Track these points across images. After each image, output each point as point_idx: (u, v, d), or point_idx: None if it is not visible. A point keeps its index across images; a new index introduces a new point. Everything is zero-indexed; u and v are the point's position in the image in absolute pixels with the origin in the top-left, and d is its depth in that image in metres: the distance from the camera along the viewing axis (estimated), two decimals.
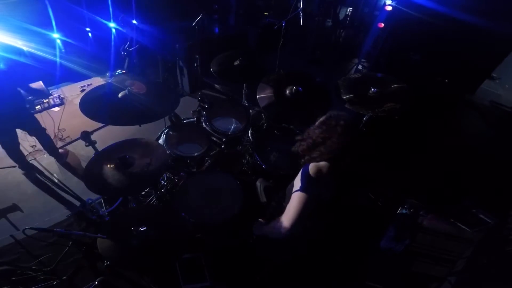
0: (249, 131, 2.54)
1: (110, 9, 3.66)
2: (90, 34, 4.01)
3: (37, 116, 2.68)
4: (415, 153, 3.09)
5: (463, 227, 2.29)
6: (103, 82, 3.16)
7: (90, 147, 1.71)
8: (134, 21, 3.47)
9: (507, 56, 3.93)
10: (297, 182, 1.21)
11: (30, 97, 3.16)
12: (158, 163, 1.66)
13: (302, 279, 1.94)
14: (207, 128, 2.34)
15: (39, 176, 2.64)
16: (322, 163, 1.20)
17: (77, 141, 3.05)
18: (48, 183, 2.58)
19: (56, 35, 3.49)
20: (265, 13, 5.29)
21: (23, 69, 2.46)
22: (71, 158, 2.90)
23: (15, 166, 2.68)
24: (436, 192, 2.60)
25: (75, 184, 2.51)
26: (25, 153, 2.68)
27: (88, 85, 3.84)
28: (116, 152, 1.64)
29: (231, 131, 2.38)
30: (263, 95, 2.16)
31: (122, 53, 3.25)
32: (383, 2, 4.24)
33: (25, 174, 2.65)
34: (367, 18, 5.43)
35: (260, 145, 2.24)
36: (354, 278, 2.09)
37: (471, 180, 2.81)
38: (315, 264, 1.98)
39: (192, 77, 3.88)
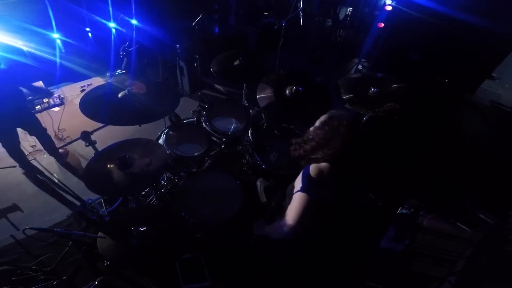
0: (249, 131, 2.54)
1: (110, 9, 3.66)
2: (90, 34, 4.01)
3: (37, 116, 2.68)
4: (415, 153, 3.09)
5: (463, 227, 2.29)
6: (103, 82, 3.16)
7: (90, 147, 1.71)
8: (134, 21, 3.47)
9: (507, 56, 3.93)
10: (298, 184, 1.20)
11: (30, 97, 3.16)
12: (158, 163, 1.66)
13: (302, 279, 1.94)
14: (207, 128, 2.34)
15: (39, 176, 2.64)
16: (323, 164, 1.19)
17: (77, 141, 3.05)
18: (48, 183, 2.58)
19: (56, 35, 3.49)
20: (265, 13, 5.29)
21: (23, 69, 2.46)
22: (71, 158, 2.90)
23: (15, 166, 2.68)
24: (436, 192, 2.60)
25: (75, 184, 2.51)
26: (25, 153, 2.68)
27: (88, 85, 3.85)
28: (116, 152, 1.64)
29: (231, 131, 2.38)
30: (263, 95, 2.16)
31: (121, 53, 3.25)
32: (383, 2, 4.24)
33: (25, 174, 2.65)
34: (367, 18, 5.43)
35: (260, 145, 2.24)
36: (354, 278, 2.09)
37: (471, 180, 2.81)
38: (315, 264, 1.98)
39: (192, 77, 3.88)
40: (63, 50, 3.66)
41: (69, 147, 3.01)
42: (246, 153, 2.46)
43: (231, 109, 2.59)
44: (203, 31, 3.93)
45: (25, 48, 3.18)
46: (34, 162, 2.77)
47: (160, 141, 2.24)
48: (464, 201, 2.46)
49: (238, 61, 2.40)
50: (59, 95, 3.47)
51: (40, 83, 3.30)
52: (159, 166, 1.66)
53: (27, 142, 2.83)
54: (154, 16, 3.92)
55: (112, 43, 3.79)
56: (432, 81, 4.13)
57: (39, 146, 2.79)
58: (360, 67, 4.87)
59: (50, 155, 2.77)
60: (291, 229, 1.17)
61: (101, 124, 3.03)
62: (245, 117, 2.47)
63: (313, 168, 1.18)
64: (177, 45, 3.62)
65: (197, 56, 3.64)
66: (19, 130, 2.41)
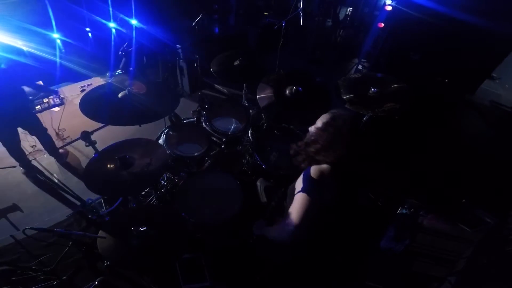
0: (249, 131, 2.54)
1: (110, 9, 3.66)
2: (90, 34, 4.01)
3: (37, 116, 2.68)
4: (415, 153, 3.09)
5: (463, 227, 2.29)
6: (103, 82, 3.16)
7: (90, 147, 1.71)
8: (133, 21, 3.47)
9: (507, 56, 3.93)
10: (299, 185, 1.19)
11: (31, 97, 3.16)
12: (158, 163, 1.66)
13: (302, 279, 1.94)
14: (207, 128, 2.34)
15: (39, 176, 2.64)
16: (324, 165, 1.18)
17: (77, 141, 3.05)
18: (48, 183, 2.58)
19: (56, 35, 3.49)
20: (265, 13, 5.29)
21: (23, 69, 2.47)
22: (71, 158, 2.90)
23: (15, 166, 2.68)
24: (436, 192, 2.60)
25: (75, 184, 2.51)
26: (25, 153, 2.68)
27: (88, 85, 3.85)
28: (116, 152, 1.64)
29: (231, 131, 2.38)
30: (263, 95, 2.16)
31: (120, 52, 3.25)
32: (383, 2, 4.24)
33: (25, 174, 2.65)
34: (367, 18, 5.43)
35: (260, 145, 2.24)
36: (354, 278, 2.09)
37: (471, 180, 2.81)
38: (315, 264, 1.98)
39: (192, 77, 3.88)
40: (63, 50, 3.65)
41: (69, 147, 3.01)
42: (246, 153, 2.46)
43: (231, 109, 2.59)
44: (203, 31, 3.93)
45: (25, 48, 3.18)
46: (34, 162, 2.77)
47: (160, 141, 2.24)
48: (464, 201, 2.46)
49: (238, 61, 2.41)
50: (59, 95, 3.47)
51: (40, 83, 3.30)
52: (159, 166, 1.66)
53: (27, 142, 2.83)
54: (154, 16, 3.92)
55: (112, 43, 3.79)
56: (432, 81, 4.13)
57: (39, 146, 2.79)
58: (360, 67, 4.87)
59: (50, 155, 2.77)
60: (293, 232, 1.16)
61: (101, 124, 3.03)
62: (245, 117, 2.47)
63: (314, 169, 1.17)
64: (178, 45, 3.62)
65: (197, 56, 3.64)
66: (19, 129, 2.41)
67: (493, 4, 3.41)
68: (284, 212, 1.45)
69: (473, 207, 2.37)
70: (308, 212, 1.13)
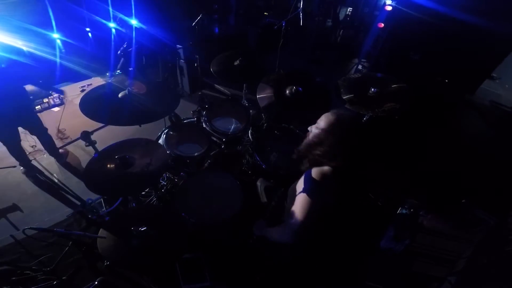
0: (249, 131, 2.54)
1: (110, 9, 3.66)
2: (90, 34, 4.01)
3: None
4: (415, 153, 3.09)
5: (463, 227, 2.29)
6: (103, 82, 3.16)
7: (90, 147, 1.71)
8: (133, 21, 3.47)
9: (507, 56, 3.93)
10: (300, 188, 1.18)
11: (31, 96, 3.16)
12: (158, 163, 1.66)
13: (302, 279, 1.94)
14: (207, 128, 2.34)
15: (39, 176, 2.64)
16: (326, 167, 1.17)
17: (77, 141, 3.05)
18: (48, 183, 2.58)
19: (56, 35, 3.49)
20: (265, 13, 5.29)
21: (23, 69, 2.47)
22: (71, 158, 2.90)
23: (15, 166, 2.68)
24: (436, 192, 2.60)
25: (75, 184, 2.51)
26: (26, 152, 2.68)
27: (88, 85, 3.85)
28: (116, 152, 1.64)
29: (231, 131, 2.38)
30: (263, 95, 2.16)
31: (119, 52, 3.25)
32: (383, 2, 4.24)
33: (25, 173, 2.65)
34: (367, 18, 5.43)
35: (260, 145, 2.24)
36: (354, 278, 2.09)
37: (471, 180, 2.80)
38: (315, 264, 1.98)
39: (192, 77, 3.88)
40: (63, 50, 3.65)
41: (69, 147, 3.01)
42: (246, 153, 2.46)
43: (231, 109, 2.59)
44: (203, 31, 3.93)
45: (25, 48, 3.18)
46: (34, 162, 2.77)
47: (160, 141, 2.24)
48: (464, 201, 2.46)
49: (238, 61, 2.40)
50: (59, 95, 3.47)
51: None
52: (159, 166, 1.66)
53: (27, 142, 2.83)
54: (154, 16, 3.92)
55: (112, 43, 3.79)
56: (432, 81, 4.13)
57: (39, 146, 2.79)
58: (360, 67, 4.87)
59: (50, 155, 2.77)
60: (294, 234, 1.16)
61: (101, 124, 3.03)
62: (245, 117, 2.47)
63: (316, 171, 1.16)
64: (178, 45, 3.62)
65: (197, 56, 3.64)
66: (19, 129, 2.41)
67: (493, 4, 3.41)
68: (285, 213, 1.45)
69: (473, 207, 2.37)
70: (309, 214, 1.12)
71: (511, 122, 4.01)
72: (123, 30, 3.56)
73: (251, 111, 2.63)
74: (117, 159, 1.58)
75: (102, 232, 1.41)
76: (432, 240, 2.25)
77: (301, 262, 1.83)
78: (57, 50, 3.58)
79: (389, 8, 4.01)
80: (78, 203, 2.04)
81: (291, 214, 1.18)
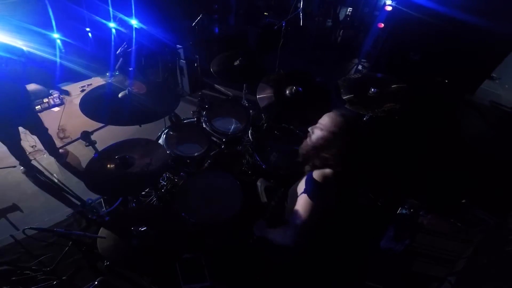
0: (249, 131, 2.54)
1: (110, 9, 3.66)
2: (90, 34, 4.01)
3: None
4: (415, 153, 3.09)
5: (463, 227, 2.29)
6: (103, 82, 3.16)
7: (90, 147, 1.71)
8: (133, 21, 3.47)
9: (507, 56, 3.93)
10: (301, 190, 1.18)
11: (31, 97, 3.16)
12: (158, 163, 1.66)
13: (302, 279, 1.94)
14: (207, 128, 2.34)
15: (39, 176, 2.64)
16: (327, 170, 1.16)
17: (77, 141, 3.05)
18: (48, 183, 2.58)
19: (56, 35, 3.49)
20: (265, 13, 5.29)
21: (23, 69, 2.48)
22: (71, 158, 2.90)
23: (15, 166, 2.68)
24: (436, 192, 2.60)
25: (75, 184, 2.51)
26: (26, 152, 2.68)
27: (88, 85, 3.85)
28: (116, 152, 1.64)
29: (231, 131, 2.38)
30: (263, 95, 2.16)
31: (117, 52, 3.25)
32: (383, 2, 4.24)
33: (25, 173, 2.65)
34: (367, 18, 5.43)
35: (260, 145, 2.24)
36: (354, 278, 2.09)
37: (471, 180, 2.81)
38: (315, 264, 1.98)
39: (192, 77, 3.88)
40: (63, 50, 3.65)
41: (69, 147, 3.01)
42: (246, 153, 2.46)
43: (231, 109, 2.59)
44: (203, 31, 3.93)
45: (25, 48, 3.18)
46: (34, 162, 2.77)
47: (160, 141, 2.24)
48: (464, 201, 2.46)
49: (238, 61, 2.40)
50: (59, 95, 3.47)
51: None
52: (159, 166, 1.66)
53: (27, 142, 2.83)
54: (154, 16, 3.92)
55: (112, 43, 3.79)
56: (432, 81, 4.13)
57: (39, 146, 2.79)
58: (360, 67, 4.87)
59: (50, 155, 2.77)
60: (296, 237, 1.16)
61: (101, 124, 3.03)
62: (245, 117, 2.47)
63: (317, 174, 1.16)
64: (178, 45, 3.62)
65: (197, 56, 3.64)
66: (20, 129, 2.41)
67: (493, 4, 3.41)
68: (286, 214, 1.45)
69: (473, 207, 2.37)
70: (311, 217, 1.12)
71: (511, 122, 4.01)
72: (123, 30, 3.56)
73: (251, 111, 2.63)
74: (117, 159, 1.58)
75: (102, 232, 1.41)
76: (432, 240, 2.25)
77: (301, 262, 1.83)
78: (57, 50, 3.58)
79: (389, 8, 4.01)
80: (78, 203, 2.04)
81: (292, 217, 1.18)
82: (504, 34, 3.46)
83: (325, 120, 1.21)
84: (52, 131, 3.01)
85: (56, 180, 2.57)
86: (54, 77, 3.44)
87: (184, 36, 3.79)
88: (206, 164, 2.32)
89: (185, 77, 3.90)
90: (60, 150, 2.85)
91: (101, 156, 1.66)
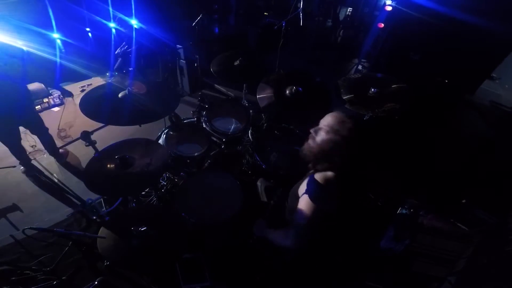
0: (249, 131, 2.54)
1: (110, 9, 3.66)
2: (90, 34, 4.01)
3: None
4: (415, 153, 3.09)
5: (463, 227, 2.29)
6: (103, 82, 3.16)
7: (90, 147, 1.71)
8: (133, 21, 3.47)
9: (507, 56, 3.93)
10: (303, 191, 1.18)
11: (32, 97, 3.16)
12: (158, 163, 1.66)
13: (302, 279, 1.94)
14: (207, 128, 2.34)
15: (39, 176, 2.64)
16: (329, 173, 1.16)
17: (77, 141, 3.05)
18: (48, 183, 2.58)
19: (56, 35, 3.49)
20: (265, 13, 5.29)
21: (23, 69, 2.48)
22: (71, 158, 2.90)
23: (15, 166, 2.68)
24: (436, 192, 2.60)
25: (75, 184, 2.51)
26: (26, 151, 2.68)
27: (88, 85, 3.85)
28: (116, 152, 1.64)
29: (231, 131, 2.38)
30: (263, 95, 2.16)
31: (116, 52, 3.25)
32: (383, 2, 4.24)
33: (25, 173, 2.65)
34: (367, 18, 5.43)
35: (260, 145, 2.24)
36: (354, 278, 2.09)
37: (471, 180, 2.80)
38: (315, 264, 1.98)
39: (192, 77, 3.88)
40: (63, 50, 3.65)
41: (69, 147, 3.01)
42: (246, 153, 2.46)
43: (231, 109, 2.59)
44: (203, 31, 3.93)
45: (25, 48, 3.18)
46: (34, 162, 2.76)
47: (160, 141, 2.24)
48: (464, 201, 2.46)
49: (238, 61, 2.40)
50: (59, 95, 3.47)
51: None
52: (159, 166, 1.66)
53: (27, 142, 2.83)
54: (154, 16, 3.92)
55: (112, 43, 3.79)
56: (432, 81, 4.13)
57: (39, 146, 2.79)
58: (360, 67, 4.87)
59: (50, 155, 2.77)
60: (297, 239, 1.16)
61: (101, 124, 3.03)
62: (245, 117, 2.47)
63: (319, 177, 1.16)
64: (178, 45, 3.62)
65: (197, 56, 3.64)
66: (20, 128, 2.41)
67: (493, 4, 3.41)
68: (286, 215, 1.45)
69: (473, 207, 2.37)
70: (312, 219, 1.12)
71: (511, 122, 4.01)
72: (123, 30, 3.56)
73: (251, 111, 2.63)
74: (117, 159, 1.58)
75: (102, 232, 1.41)
76: (432, 240, 2.24)
77: (301, 262, 1.83)
78: (57, 50, 3.58)
79: (389, 8, 4.01)
80: (78, 203, 2.03)
81: (293, 219, 1.18)
82: (504, 34, 3.46)
83: (331, 122, 1.16)
84: (53, 131, 3.02)
85: (56, 180, 2.57)
86: (51, 77, 3.45)
87: (184, 36, 3.79)
88: (206, 164, 2.32)
89: (185, 77, 3.90)
90: (60, 150, 2.85)
91: (101, 156, 1.66)
